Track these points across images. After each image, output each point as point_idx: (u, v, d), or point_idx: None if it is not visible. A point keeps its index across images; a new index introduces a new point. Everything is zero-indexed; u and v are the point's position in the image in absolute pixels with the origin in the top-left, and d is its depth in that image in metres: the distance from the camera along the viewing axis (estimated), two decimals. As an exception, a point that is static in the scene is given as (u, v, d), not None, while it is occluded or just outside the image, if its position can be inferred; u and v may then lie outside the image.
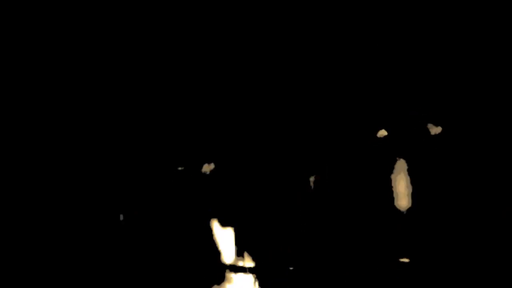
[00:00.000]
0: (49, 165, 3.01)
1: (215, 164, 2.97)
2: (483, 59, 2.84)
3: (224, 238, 2.92)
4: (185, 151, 3.01)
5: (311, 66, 2.97)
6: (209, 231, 2.94)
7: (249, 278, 2.86)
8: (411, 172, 2.84)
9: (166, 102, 3.04)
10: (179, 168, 2.98)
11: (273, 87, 2.99)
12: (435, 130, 2.83)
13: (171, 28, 3.04)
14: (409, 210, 2.83)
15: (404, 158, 2.85)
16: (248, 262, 2.90)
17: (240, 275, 2.87)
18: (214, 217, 2.94)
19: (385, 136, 2.86)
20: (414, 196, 2.83)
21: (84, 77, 3.06)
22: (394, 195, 2.84)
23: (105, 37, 3.04)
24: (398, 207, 2.84)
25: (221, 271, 2.91)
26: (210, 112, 3.02)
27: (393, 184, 2.85)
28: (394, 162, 2.86)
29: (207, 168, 2.95)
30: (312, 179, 2.89)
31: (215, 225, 2.94)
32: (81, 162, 3.01)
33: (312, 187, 2.90)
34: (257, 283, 2.86)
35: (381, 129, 2.88)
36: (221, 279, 2.89)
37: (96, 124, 3.03)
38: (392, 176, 2.86)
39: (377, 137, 2.87)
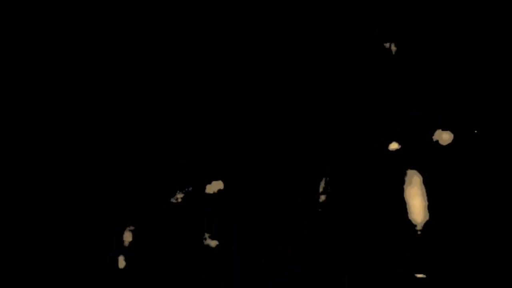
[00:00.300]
0: (46, 167, 3.00)
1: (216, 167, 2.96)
2: (484, 59, 2.83)
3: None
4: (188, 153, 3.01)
5: (315, 74, 2.97)
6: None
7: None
8: (426, 184, 2.82)
9: (168, 109, 3.03)
10: (188, 189, 2.98)
11: (279, 96, 2.98)
12: (443, 137, 2.81)
13: (177, 35, 3.04)
14: (425, 224, 2.81)
15: (417, 169, 2.83)
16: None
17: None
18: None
19: (397, 150, 2.85)
20: (430, 209, 2.81)
21: (82, 80, 3.05)
22: (408, 208, 2.82)
23: (105, 38, 3.05)
24: (412, 220, 2.81)
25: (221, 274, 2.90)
26: (215, 116, 3.01)
27: (406, 197, 2.82)
28: (406, 174, 2.84)
29: (216, 185, 2.95)
30: (321, 185, 2.88)
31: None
32: (85, 173, 3.01)
33: (321, 197, 2.88)
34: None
35: (391, 139, 2.87)
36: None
37: (99, 134, 3.03)
38: (405, 189, 2.83)
39: (389, 150, 2.86)
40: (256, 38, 3.00)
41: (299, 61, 2.99)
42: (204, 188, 2.96)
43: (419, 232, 2.79)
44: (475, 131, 2.78)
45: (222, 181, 2.95)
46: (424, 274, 2.75)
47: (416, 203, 2.81)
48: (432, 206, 2.81)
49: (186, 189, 2.97)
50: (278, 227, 2.88)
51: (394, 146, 2.86)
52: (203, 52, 3.03)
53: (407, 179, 2.84)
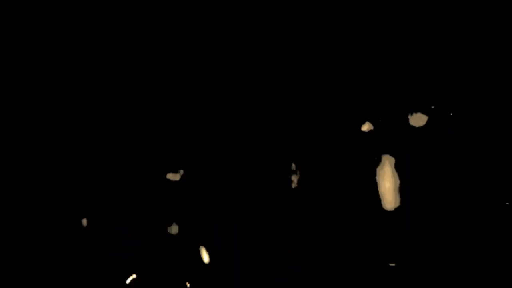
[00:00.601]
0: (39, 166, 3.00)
1: (207, 163, 2.96)
2: (481, 58, 2.83)
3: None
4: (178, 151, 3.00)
5: (294, 66, 2.96)
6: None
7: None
8: (398, 169, 2.81)
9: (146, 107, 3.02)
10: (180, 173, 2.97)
11: (256, 84, 2.98)
12: (417, 120, 2.80)
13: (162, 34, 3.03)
14: (396, 209, 2.80)
15: (390, 154, 2.82)
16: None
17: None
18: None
19: (370, 130, 2.84)
20: (402, 194, 2.80)
21: (70, 76, 3.04)
22: (380, 194, 2.81)
23: (103, 37, 3.04)
24: (384, 206, 2.81)
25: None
26: (192, 112, 3.00)
27: (378, 182, 2.82)
28: (380, 158, 2.83)
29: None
30: (295, 176, 2.87)
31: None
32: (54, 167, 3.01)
33: (295, 185, 2.88)
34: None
35: (365, 123, 2.85)
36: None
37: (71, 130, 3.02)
38: (378, 173, 2.83)
39: (362, 131, 2.84)
40: (246, 35, 3.00)
41: (273, 50, 2.99)
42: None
43: (390, 218, 2.80)
44: (450, 114, 2.78)
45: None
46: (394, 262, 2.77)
47: (387, 188, 2.81)
48: (404, 191, 2.81)
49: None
50: (278, 227, 2.89)
51: (366, 127, 2.84)
52: (183, 49, 3.03)
53: (380, 162, 2.83)
